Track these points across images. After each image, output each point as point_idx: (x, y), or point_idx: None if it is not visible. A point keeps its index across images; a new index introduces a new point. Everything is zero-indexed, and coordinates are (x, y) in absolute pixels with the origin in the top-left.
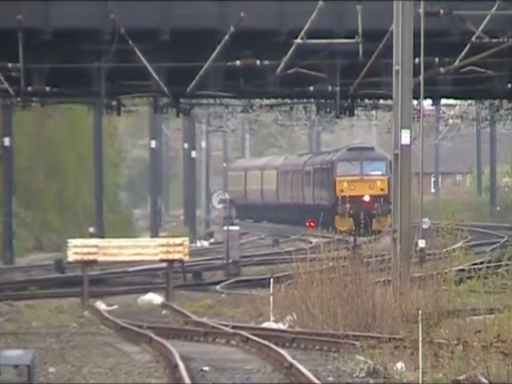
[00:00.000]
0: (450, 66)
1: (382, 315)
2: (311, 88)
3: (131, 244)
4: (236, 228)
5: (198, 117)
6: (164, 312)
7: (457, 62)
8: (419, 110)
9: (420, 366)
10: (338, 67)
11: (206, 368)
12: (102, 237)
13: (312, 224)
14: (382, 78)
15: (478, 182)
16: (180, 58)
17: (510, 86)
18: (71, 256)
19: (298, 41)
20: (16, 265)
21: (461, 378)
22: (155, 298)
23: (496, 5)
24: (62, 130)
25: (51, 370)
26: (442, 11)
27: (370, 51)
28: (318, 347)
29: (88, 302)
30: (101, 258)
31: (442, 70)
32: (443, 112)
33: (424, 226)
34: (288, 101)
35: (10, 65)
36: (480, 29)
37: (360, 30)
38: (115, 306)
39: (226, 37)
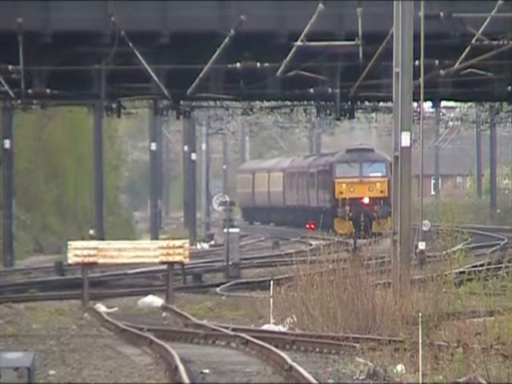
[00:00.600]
0: (450, 69)
1: (382, 317)
2: (311, 90)
3: (131, 246)
4: (236, 230)
5: (198, 119)
6: (164, 314)
7: (457, 65)
8: (419, 113)
9: (420, 369)
10: (338, 69)
11: (206, 370)
12: (102, 239)
13: (312, 226)
14: (382, 81)
15: (478, 185)
16: (180, 61)
17: (510, 88)
18: (71, 258)
19: (298, 43)
20: (16, 267)
21: (461, 380)
22: (155, 301)
23: (496, 7)
24: (62, 133)
25: (51, 372)
26: (442, 13)
27: (370, 53)
28: (318, 349)
29: (88, 304)
30: (101, 261)
31: (442, 72)
32: (443, 114)
33: (424, 228)
34: (288, 103)
35: (10, 67)
36: (480, 31)
37: (360, 33)
38: (115, 308)
39: (226, 39)
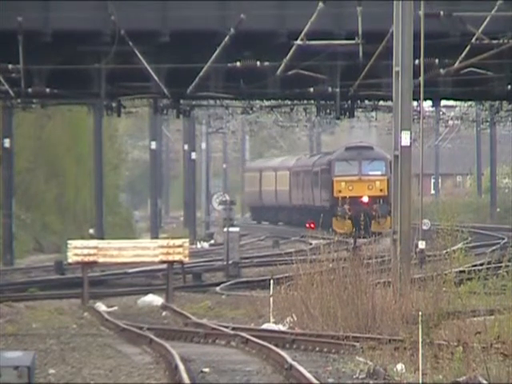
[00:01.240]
0: (450, 68)
1: (382, 316)
2: (311, 89)
3: (131, 245)
4: (236, 229)
5: (198, 118)
6: (164, 313)
7: (457, 64)
8: (419, 112)
9: (420, 368)
10: (338, 68)
11: (206, 369)
12: (102, 238)
13: (312, 225)
14: (382, 80)
15: (478, 184)
16: (180, 60)
17: (509, 87)
18: (71, 257)
19: (298, 42)
20: (16, 266)
21: (461, 379)
22: (155, 300)
23: (496, 6)
24: (62, 132)
25: (51, 371)
26: (442, 12)
27: (370, 52)
28: (318, 348)
29: (88, 303)
30: (101, 260)
31: (442, 71)
32: (443, 113)
33: (424, 228)
34: (288, 102)
35: (10, 66)
36: (480, 30)
37: (360, 32)
38: (115, 308)
39: (226, 38)
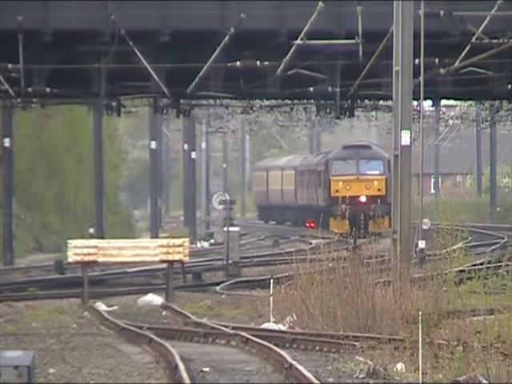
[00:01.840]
0: (450, 67)
1: (382, 316)
2: (311, 89)
3: (131, 245)
4: (236, 229)
5: (198, 118)
6: (164, 313)
7: (457, 63)
8: (419, 111)
9: (420, 367)
10: (338, 68)
11: (206, 369)
12: (101, 238)
13: (312, 225)
14: (382, 79)
15: (478, 183)
16: (180, 59)
17: (509, 86)
18: (71, 257)
19: (298, 42)
20: (16, 266)
21: (461, 378)
22: (155, 299)
23: (496, 6)
24: (62, 131)
25: (51, 370)
26: (442, 12)
27: (370, 52)
28: (318, 348)
29: (88, 302)
30: (101, 259)
31: (442, 70)
32: (443, 113)
33: (424, 227)
34: (288, 102)
35: (10, 66)
36: (480, 30)
37: (360, 31)
38: (115, 307)
39: (226, 38)
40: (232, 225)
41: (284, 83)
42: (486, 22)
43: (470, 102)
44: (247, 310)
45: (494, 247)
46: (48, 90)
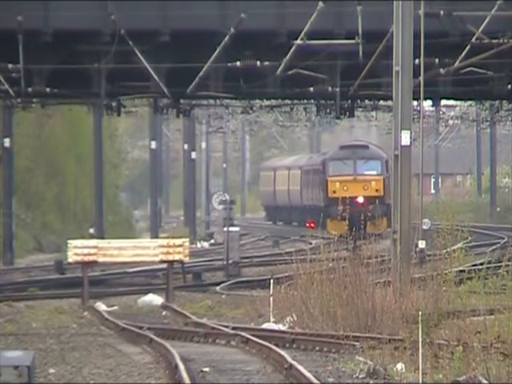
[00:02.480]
0: (450, 67)
1: (382, 316)
2: (311, 89)
3: (131, 245)
4: (236, 229)
5: (198, 118)
6: (164, 313)
7: (457, 63)
8: (419, 111)
9: (420, 367)
10: (338, 68)
11: (206, 369)
12: (102, 238)
13: (312, 225)
14: (382, 79)
15: (478, 183)
16: (180, 59)
17: (509, 86)
18: (71, 257)
19: (298, 42)
20: (16, 266)
21: (461, 378)
22: (155, 299)
23: (496, 6)
24: (62, 131)
25: (51, 370)
26: (442, 12)
27: (370, 52)
28: (318, 348)
29: (88, 302)
30: (101, 259)
31: (442, 70)
32: (443, 113)
33: (424, 227)
34: (288, 102)
35: (10, 66)
36: (480, 30)
37: (360, 31)
38: (115, 307)
39: (226, 38)
40: (232, 225)
41: (284, 83)
42: (486, 22)
43: (470, 102)
44: (247, 310)
45: (493, 247)
46: (48, 90)
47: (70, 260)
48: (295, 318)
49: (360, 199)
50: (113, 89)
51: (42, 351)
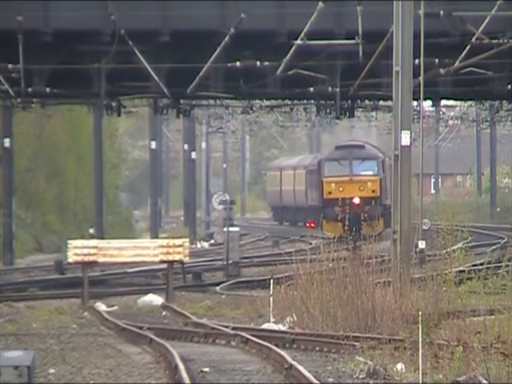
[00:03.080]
0: (450, 67)
1: (382, 316)
2: (311, 89)
3: (131, 245)
4: (236, 229)
5: (198, 118)
6: (164, 313)
7: (457, 63)
8: (419, 111)
9: (420, 367)
10: (338, 68)
11: (206, 369)
12: (102, 238)
13: (312, 225)
14: (382, 79)
15: (478, 183)
16: (180, 59)
17: (509, 87)
18: (71, 257)
19: (298, 42)
20: (16, 266)
21: (461, 378)
22: (155, 299)
23: (496, 6)
24: (62, 131)
25: (51, 370)
26: (442, 12)
27: (370, 52)
28: (318, 348)
29: (88, 303)
30: (101, 259)
31: (442, 71)
32: (443, 113)
33: (424, 227)
34: (288, 102)
35: (10, 66)
36: (480, 30)
37: (360, 31)
38: (115, 307)
39: (226, 38)
40: (232, 225)
41: (284, 83)
42: (486, 22)
43: (469, 103)
44: (247, 311)
45: (494, 247)
46: (48, 90)
47: (69, 260)
48: (295, 318)
49: (356, 200)
50: (113, 89)
51: (42, 351)
